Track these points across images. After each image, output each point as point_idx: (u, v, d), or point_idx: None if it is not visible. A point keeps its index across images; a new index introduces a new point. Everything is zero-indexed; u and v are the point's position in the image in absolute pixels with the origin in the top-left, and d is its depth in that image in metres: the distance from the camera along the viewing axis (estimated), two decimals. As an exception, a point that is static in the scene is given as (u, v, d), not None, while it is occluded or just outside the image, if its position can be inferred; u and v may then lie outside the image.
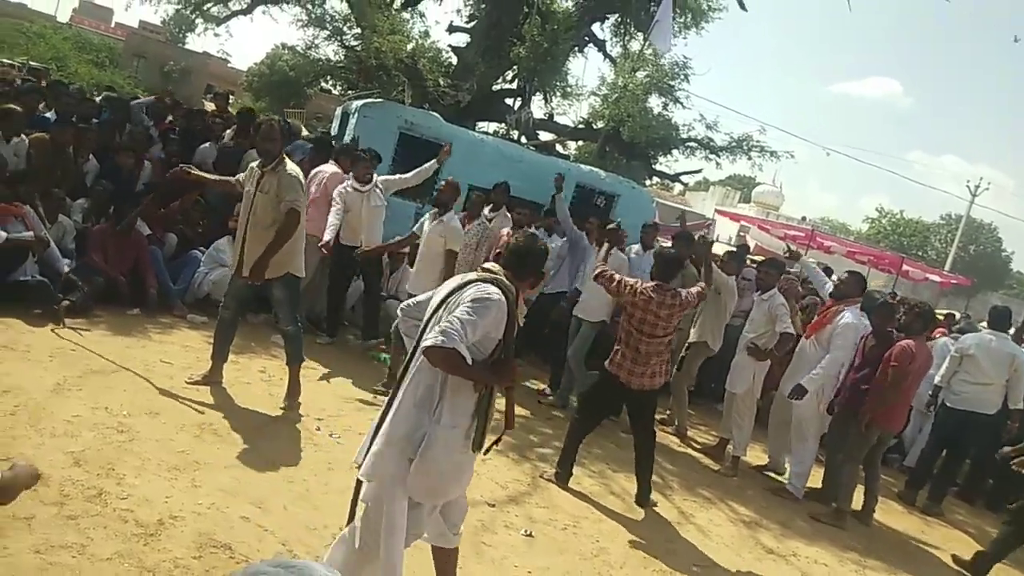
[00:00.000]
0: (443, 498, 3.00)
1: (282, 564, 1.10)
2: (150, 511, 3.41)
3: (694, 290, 5.11)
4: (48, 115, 7.86)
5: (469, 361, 2.74)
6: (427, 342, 2.72)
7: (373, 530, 2.90)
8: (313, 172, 6.91)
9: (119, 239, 6.40)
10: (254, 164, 5.06)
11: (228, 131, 8.23)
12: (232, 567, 3.16)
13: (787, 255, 6.98)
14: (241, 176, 5.22)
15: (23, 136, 6.55)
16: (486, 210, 7.68)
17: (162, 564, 3.07)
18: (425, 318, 2.97)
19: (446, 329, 2.70)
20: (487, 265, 3.08)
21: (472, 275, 3.01)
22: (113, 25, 45.93)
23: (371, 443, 2.92)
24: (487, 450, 3.02)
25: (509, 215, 7.48)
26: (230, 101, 10.62)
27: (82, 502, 3.33)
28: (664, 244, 7.37)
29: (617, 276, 5.26)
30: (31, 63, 19.57)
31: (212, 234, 7.18)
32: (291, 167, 4.99)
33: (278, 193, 4.86)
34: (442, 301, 2.93)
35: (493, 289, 2.87)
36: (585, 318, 6.88)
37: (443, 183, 5.87)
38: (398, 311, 3.33)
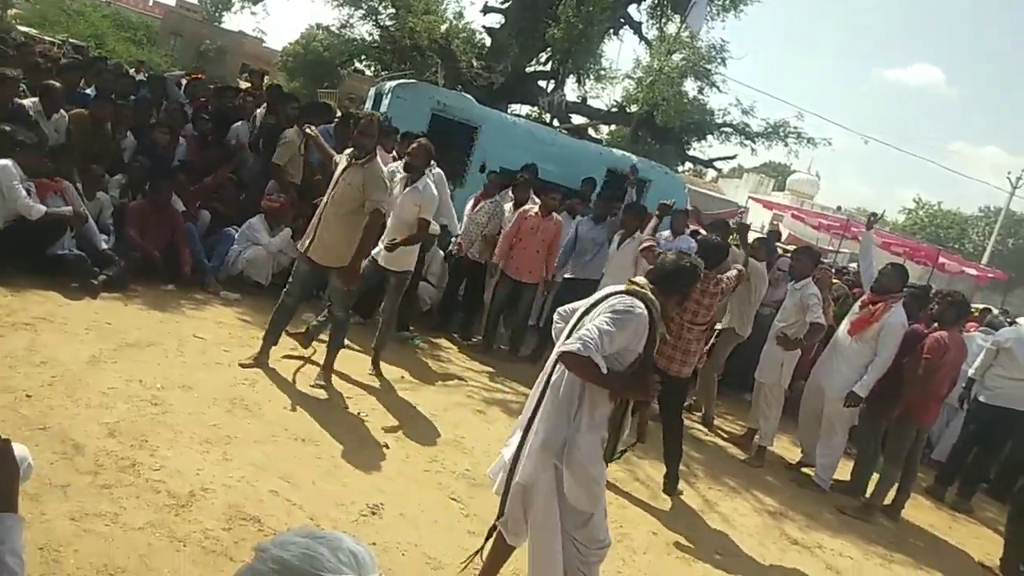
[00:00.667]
0: (599, 503, 3.02)
1: (311, 535, 1.12)
2: (182, 483, 3.48)
3: (732, 273, 5.08)
4: (88, 91, 7.98)
5: (604, 370, 2.77)
6: (563, 347, 2.78)
7: (535, 536, 3.01)
8: None
9: (156, 215, 6.49)
10: (347, 152, 5.09)
11: (260, 109, 8.27)
12: (261, 540, 3.21)
13: (871, 218, 6.78)
14: (338, 157, 5.23)
15: (63, 112, 6.66)
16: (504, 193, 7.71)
17: (192, 535, 3.13)
18: (570, 324, 3.03)
19: (583, 336, 2.76)
20: (636, 279, 3.11)
21: (620, 287, 3.06)
22: (151, 3, 46.32)
23: (519, 447, 3.00)
24: (618, 457, 3.09)
25: (537, 198, 7.49)
26: (265, 80, 10.66)
27: (116, 472, 3.41)
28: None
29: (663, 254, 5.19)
30: (71, 40, 19.86)
31: (246, 212, 7.24)
32: (380, 165, 5.04)
33: (363, 189, 4.89)
34: (588, 309, 2.98)
35: (637, 303, 2.91)
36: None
37: (414, 146, 5.76)
38: (555, 315, 3.37)
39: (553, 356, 3.02)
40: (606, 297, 2.99)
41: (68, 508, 3.05)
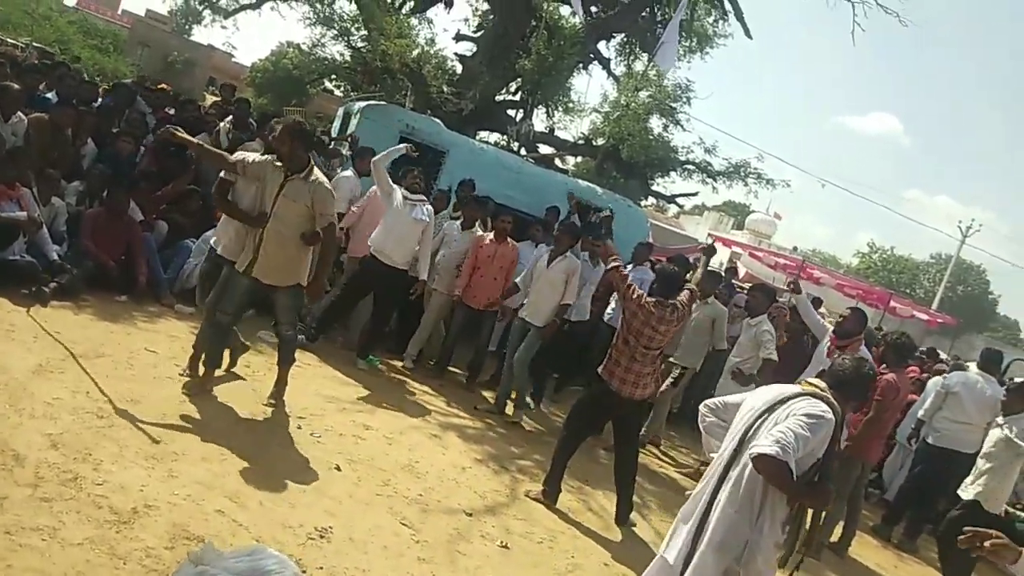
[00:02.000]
0: None
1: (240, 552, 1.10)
2: (125, 499, 3.38)
3: (684, 296, 5.03)
4: (48, 96, 7.84)
5: (795, 476, 2.75)
6: (760, 449, 2.71)
7: None
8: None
9: (112, 224, 6.37)
10: (271, 160, 4.81)
11: (223, 123, 8.19)
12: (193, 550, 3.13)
13: (790, 287, 6.90)
14: (245, 158, 4.84)
15: (22, 116, 6.52)
16: (448, 209, 7.73)
17: (134, 553, 3.04)
18: (744, 422, 2.99)
19: (780, 440, 2.71)
20: (814, 380, 3.09)
21: (797, 388, 3.04)
22: (120, 12, 45.82)
23: (692, 544, 2.96)
24: (794, 568, 3.04)
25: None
26: (235, 94, 10.57)
27: (57, 485, 3.30)
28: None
29: (630, 278, 5.17)
30: (35, 44, 19.54)
31: (202, 225, 7.14)
32: (322, 176, 4.87)
33: (314, 206, 4.73)
34: (767, 409, 2.94)
35: (826, 408, 2.89)
36: (532, 322, 6.59)
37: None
38: (701, 407, 3.35)
39: (726, 453, 2.98)
40: (787, 399, 2.95)
41: (3, 521, 2.94)
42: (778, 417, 2.89)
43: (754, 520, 2.88)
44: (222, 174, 4.98)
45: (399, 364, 7.12)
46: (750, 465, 2.82)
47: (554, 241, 6.78)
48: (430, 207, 6.81)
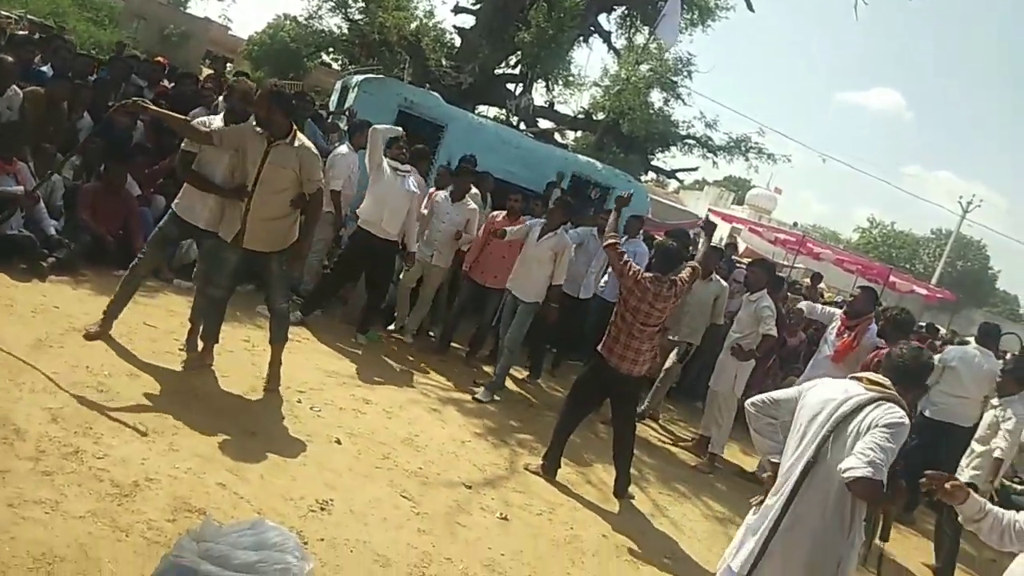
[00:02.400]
0: None
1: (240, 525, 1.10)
2: (126, 472, 3.40)
3: (684, 273, 5.01)
4: (44, 69, 7.77)
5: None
6: (856, 472, 2.70)
7: None
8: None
9: (109, 198, 6.35)
10: (250, 127, 4.74)
11: (221, 97, 8.13)
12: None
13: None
14: (221, 128, 4.76)
15: (16, 89, 6.47)
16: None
17: (135, 525, 3.06)
18: (817, 430, 2.96)
19: (873, 460, 2.70)
20: (876, 377, 3.06)
21: (862, 388, 3.01)
22: (115, -16, 45.28)
23: (759, 555, 2.95)
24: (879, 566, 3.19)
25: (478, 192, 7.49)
26: (227, 68, 10.48)
27: (58, 459, 3.32)
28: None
29: (626, 255, 5.16)
30: (29, 16, 19.31)
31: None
32: (307, 141, 4.83)
33: (301, 171, 4.70)
34: (843, 419, 2.91)
35: (902, 413, 2.89)
36: (520, 297, 6.54)
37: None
38: (747, 405, 3.34)
39: (800, 462, 2.96)
40: (863, 405, 2.92)
41: (6, 494, 2.96)
42: (859, 428, 2.87)
43: (846, 535, 2.90)
44: (184, 145, 4.90)
45: (401, 338, 7.12)
46: (837, 480, 2.82)
47: (547, 216, 6.69)
48: (419, 177, 6.75)
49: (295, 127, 4.79)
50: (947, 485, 2.81)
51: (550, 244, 6.45)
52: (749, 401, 3.37)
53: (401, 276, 7.13)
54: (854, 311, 6.27)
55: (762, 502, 3.17)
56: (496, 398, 6.32)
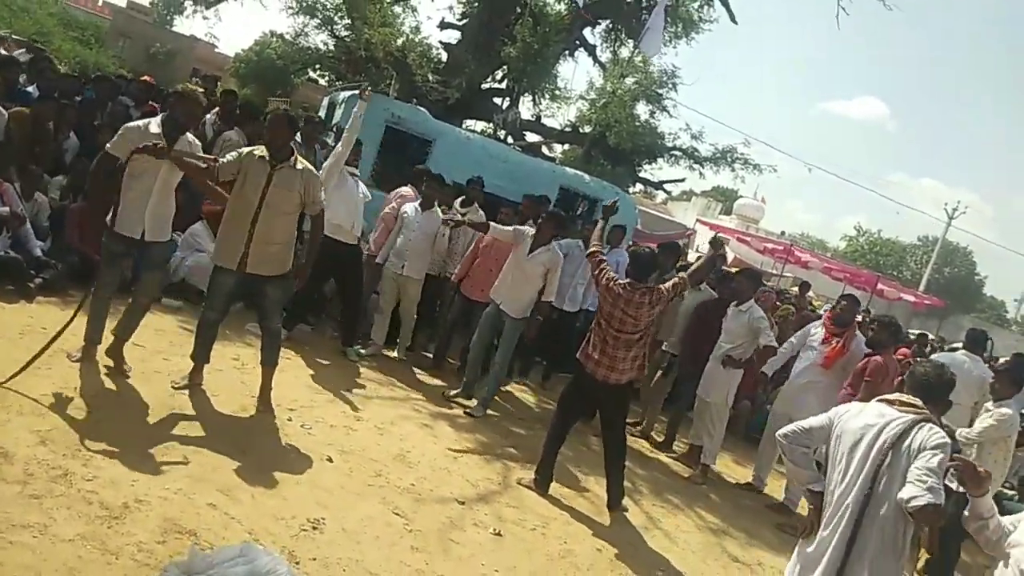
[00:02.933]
0: None
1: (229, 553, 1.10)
2: (116, 494, 3.37)
3: (669, 284, 4.99)
4: (29, 89, 7.75)
5: None
6: (921, 501, 2.81)
7: None
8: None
9: (97, 218, 6.31)
10: (256, 152, 4.71)
11: (210, 114, 8.12)
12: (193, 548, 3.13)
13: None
14: (218, 165, 4.72)
15: (2, 110, 6.45)
16: (456, 203, 7.63)
17: (125, 548, 3.04)
18: (864, 460, 3.04)
19: (932, 487, 2.83)
20: (908, 399, 3.16)
21: (898, 412, 3.10)
22: (100, 3, 45.28)
23: None
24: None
25: (482, 211, 7.48)
26: (218, 85, 10.47)
27: (47, 482, 3.29)
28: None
29: (605, 263, 5.15)
30: (14, 36, 19.25)
31: (187, 218, 7.07)
32: (307, 163, 4.86)
33: (305, 193, 4.73)
34: (891, 446, 3.00)
35: (943, 434, 2.99)
36: (511, 314, 6.32)
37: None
38: (780, 438, 3.37)
39: (854, 494, 3.04)
40: (907, 430, 3.01)
41: (-7, 519, 2.93)
42: (909, 452, 2.96)
43: (899, 557, 3.03)
44: (109, 148, 4.67)
45: (391, 354, 7.09)
46: (894, 507, 2.94)
47: (537, 229, 6.44)
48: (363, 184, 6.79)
49: (295, 151, 4.82)
50: (981, 470, 2.92)
51: (542, 260, 6.28)
52: (780, 433, 3.39)
53: (380, 297, 7.06)
54: (841, 320, 6.35)
55: (806, 532, 3.27)
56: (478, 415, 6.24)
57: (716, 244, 5.71)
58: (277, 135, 4.71)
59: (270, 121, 4.82)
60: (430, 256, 7.05)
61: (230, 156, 4.79)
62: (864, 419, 3.13)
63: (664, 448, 7.12)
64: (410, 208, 6.97)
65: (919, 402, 3.12)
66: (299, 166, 4.75)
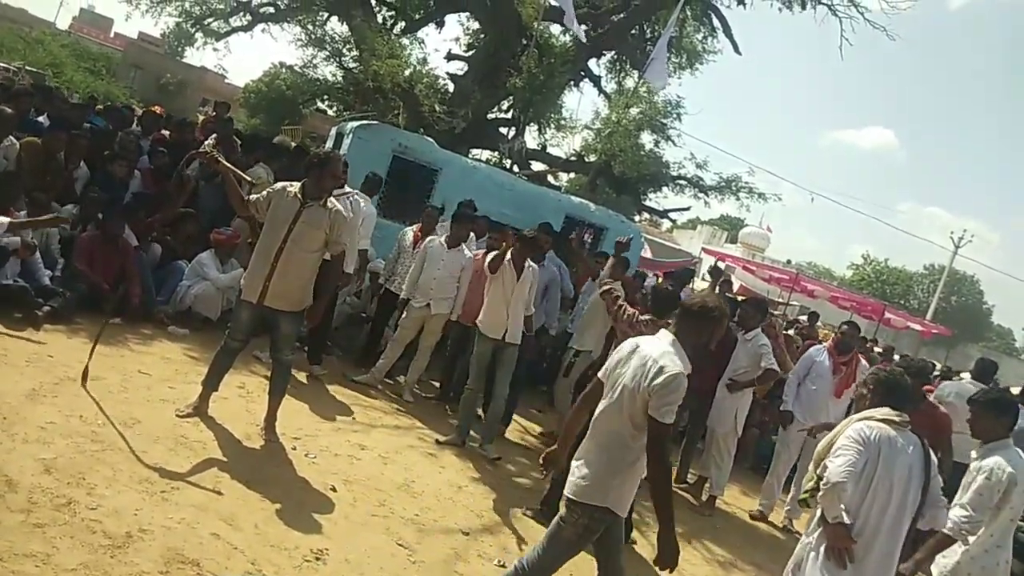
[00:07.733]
0: None
1: None
2: (119, 523, 3.36)
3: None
4: (40, 119, 7.84)
5: None
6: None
7: None
8: None
9: (107, 247, 6.36)
10: (289, 189, 4.78)
11: (209, 140, 8.15)
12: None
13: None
14: (258, 199, 4.84)
15: (13, 140, 6.52)
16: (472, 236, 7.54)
17: (128, 578, 3.02)
18: (893, 487, 3.35)
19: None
20: (881, 415, 3.44)
21: (901, 429, 3.42)
22: (112, 35, 45.99)
23: None
24: None
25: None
26: (229, 111, 10.49)
27: (50, 510, 3.28)
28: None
29: (620, 299, 5.13)
30: (27, 68, 19.56)
31: (195, 247, 7.12)
32: (337, 203, 4.91)
33: (331, 231, 4.78)
34: (920, 471, 3.39)
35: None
36: (513, 341, 6.11)
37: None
38: (836, 482, 3.40)
39: (890, 516, 3.34)
40: (916, 446, 3.41)
41: (-4, 548, 2.92)
42: (929, 474, 3.39)
43: None
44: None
45: (398, 380, 7.03)
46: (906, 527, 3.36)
47: (512, 254, 6.09)
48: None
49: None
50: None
51: (527, 277, 6.12)
52: (835, 484, 3.36)
53: (400, 324, 6.95)
54: (846, 346, 6.54)
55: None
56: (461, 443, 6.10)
57: (716, 272, 5.77)
58: (334, 178, 4.89)
59: (326, 161, 4.86)
60: (454, 293, 6.85)
61: (265, 194, 4.88)
62: (898, 450, 3.38)
63: (676, 480, 7.05)
64: (436, 243, 6.81)
65: (896, 415, 3.41)
66: (328, 205, 4.81)
